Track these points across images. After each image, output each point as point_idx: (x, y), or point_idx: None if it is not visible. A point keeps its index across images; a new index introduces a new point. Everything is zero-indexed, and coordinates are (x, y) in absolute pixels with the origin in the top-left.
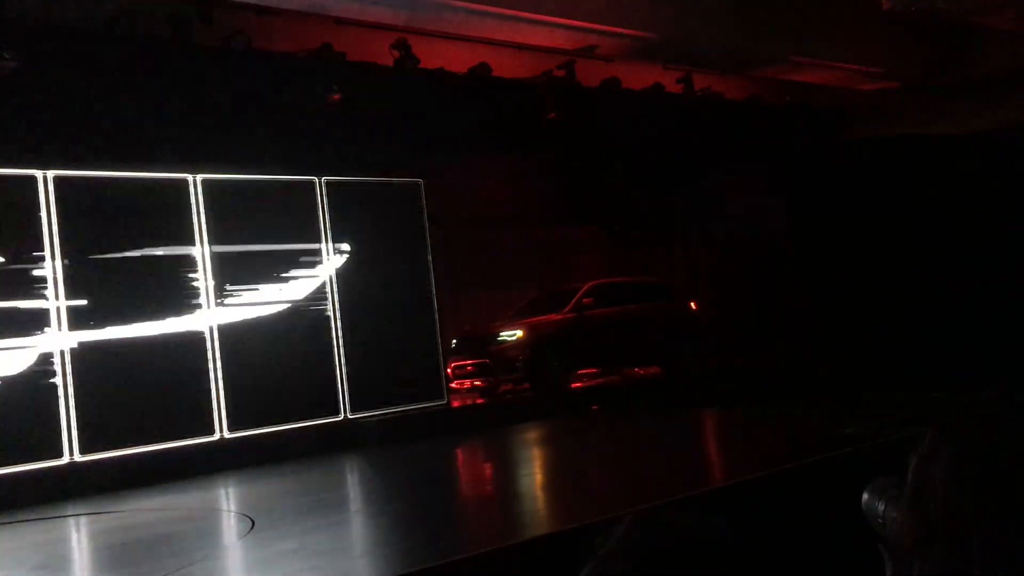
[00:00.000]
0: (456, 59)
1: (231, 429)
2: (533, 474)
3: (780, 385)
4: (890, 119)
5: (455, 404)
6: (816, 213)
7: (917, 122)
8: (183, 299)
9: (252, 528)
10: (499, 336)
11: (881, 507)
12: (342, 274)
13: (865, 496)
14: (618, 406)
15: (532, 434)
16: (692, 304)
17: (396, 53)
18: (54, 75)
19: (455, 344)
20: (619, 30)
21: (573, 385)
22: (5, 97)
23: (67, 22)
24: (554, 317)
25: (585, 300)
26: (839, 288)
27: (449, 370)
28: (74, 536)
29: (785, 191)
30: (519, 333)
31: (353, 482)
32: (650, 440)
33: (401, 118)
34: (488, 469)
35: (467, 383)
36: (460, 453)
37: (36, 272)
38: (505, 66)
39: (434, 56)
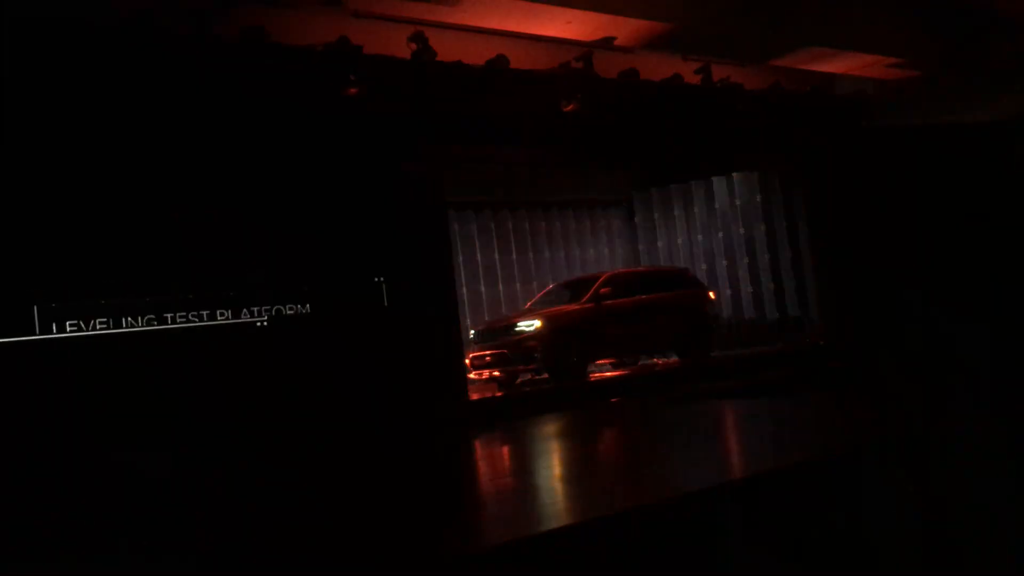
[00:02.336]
0: (474, 52)
1: None
2: (558, 465)
3: (800, 375)
4: (912, 108)
5: (474, 397)
6: (835, 202)
7: (939, 111)
8: None
9: None
10: (517, 326)
11: None
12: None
13: None
14: (639, 397)
15: (556, 426)
16: (711, 293)
17: (413, 46)
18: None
19: (474, 335)
20: (637, 20)
21: (592, 376)
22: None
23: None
24: (572, 307)
25: (603, 290)
26: (856, 278)
27: (468, 360)
28: None
29: (804, 180)
30: (537, 323)
31: None
32: (670, 431)
33: (418, 110)
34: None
35: (485, 373)
36: (481, 446)
37: None
38: (523, 58)
39: (451, 49)
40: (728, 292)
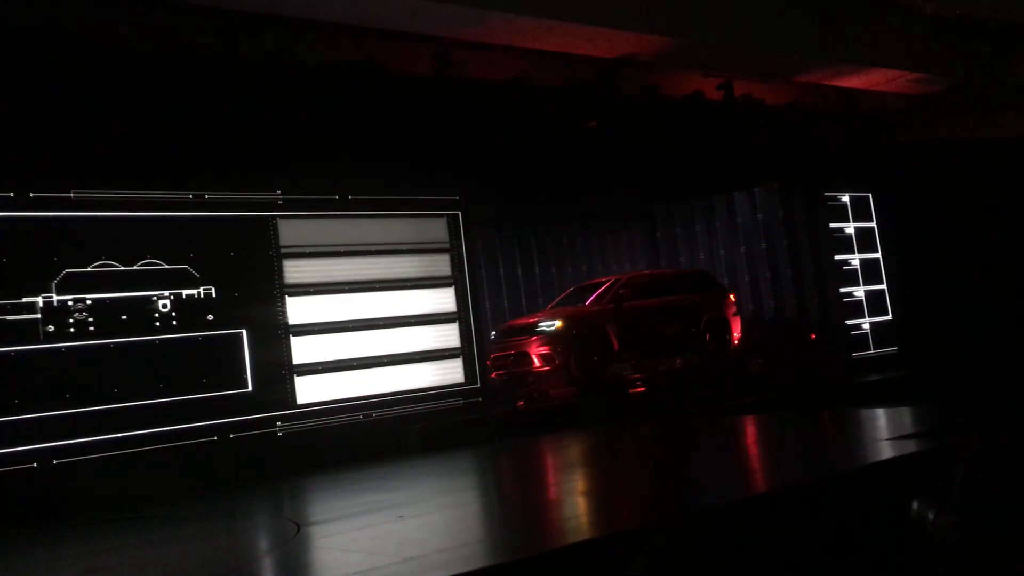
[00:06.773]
0: (496, 69)
1: None
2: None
3: (819, 390)
4: (934, 123)
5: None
6: (857, 216)
7: (962, 126)
8: None
9: None
10: (538, 327)
11: (931, 515)
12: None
13: (915, 504)
14: (661, 412)
15: (586, 442)
16: (731, 295)
17: (437, 64)
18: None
19: (494, 336)
20: (658, 37)
21: (612, 380)
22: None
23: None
24: (593, 308)
25: (623, 291)
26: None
27: (488, 361)
28: None
29: (828, 196)
30: (558, 323)
31: None
32: (689, 447)
33: (440, 128)
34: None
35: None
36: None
37: None
38: (545, 75)
39: (475, 66)
40: (751, 306)
